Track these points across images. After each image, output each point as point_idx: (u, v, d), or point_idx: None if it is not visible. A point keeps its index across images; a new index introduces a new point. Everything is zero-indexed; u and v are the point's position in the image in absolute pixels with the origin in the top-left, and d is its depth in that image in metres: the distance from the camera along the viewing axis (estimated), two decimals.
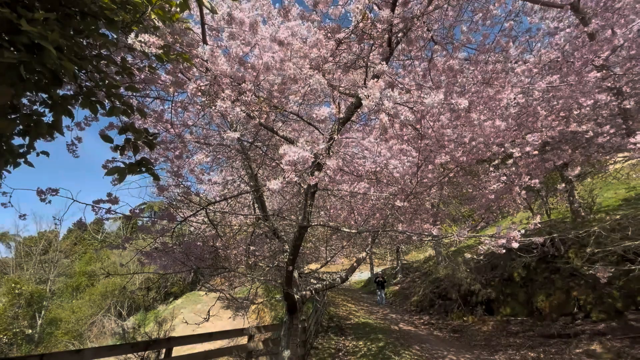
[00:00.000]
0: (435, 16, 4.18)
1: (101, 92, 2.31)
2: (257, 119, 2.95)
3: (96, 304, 21.83)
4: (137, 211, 3.41)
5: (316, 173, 2.73)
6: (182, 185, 3.58)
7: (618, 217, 6.61)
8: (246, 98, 2.24)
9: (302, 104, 3.52)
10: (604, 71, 3.92)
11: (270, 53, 2.93)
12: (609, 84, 4.02)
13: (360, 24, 2.12)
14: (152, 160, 4.67)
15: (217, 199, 4.99)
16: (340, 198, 5.32)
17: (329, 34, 2.70)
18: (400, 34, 3.29)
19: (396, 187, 4.06)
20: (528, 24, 5.59)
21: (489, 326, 10.00)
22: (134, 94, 3.37)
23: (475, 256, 8.38)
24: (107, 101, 2.35)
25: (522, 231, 3.27)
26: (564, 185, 9.04)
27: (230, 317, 17.75)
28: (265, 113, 2.47)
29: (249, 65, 3.02)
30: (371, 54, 3.39)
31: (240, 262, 4.68)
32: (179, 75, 2.01)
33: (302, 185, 3.27)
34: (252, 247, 5.00)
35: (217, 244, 4.43)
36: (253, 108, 2.37)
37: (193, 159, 5.95)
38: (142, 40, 1.73)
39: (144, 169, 2.39)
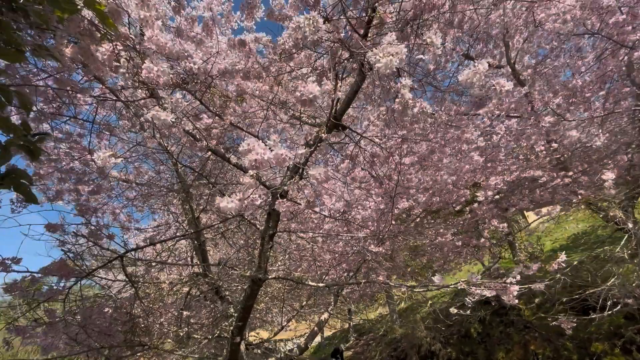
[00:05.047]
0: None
1: None
2: (222, 120, 2.18)
3: None
4: (9, 262, 2.29)
5: (286, 199, 2.05)
6: (89, 225, 2.56)
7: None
8: (193, 77, 1.57)
9: (262, 128, 2.96)
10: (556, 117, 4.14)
11: (230, 60, 2.40)
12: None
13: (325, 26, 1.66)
14: (55, 194, 3.53)
15: (141, 244, 3.89)
16: (299, 248, 4.56)
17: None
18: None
19: (368, 230, 3.50)
20: None
21: None
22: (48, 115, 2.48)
23: (436, 308, 7.91)
24: None
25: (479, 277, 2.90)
26: (507, 229, 9.42)
27: None
28: (228, 115, 1.81)
29: (201, 70, 2.42)
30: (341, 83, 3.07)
31: (168, 335, 3.48)
32: (90, 27, 1.31)
33: (265, 210, 2.53)
34: (185, 313, 3.83)
35: (136, 311, 3.26)
36: (215, 101, 1.71)
37: (120, 202, 4.81)
38: None
39: (12, 187, 1.49)
